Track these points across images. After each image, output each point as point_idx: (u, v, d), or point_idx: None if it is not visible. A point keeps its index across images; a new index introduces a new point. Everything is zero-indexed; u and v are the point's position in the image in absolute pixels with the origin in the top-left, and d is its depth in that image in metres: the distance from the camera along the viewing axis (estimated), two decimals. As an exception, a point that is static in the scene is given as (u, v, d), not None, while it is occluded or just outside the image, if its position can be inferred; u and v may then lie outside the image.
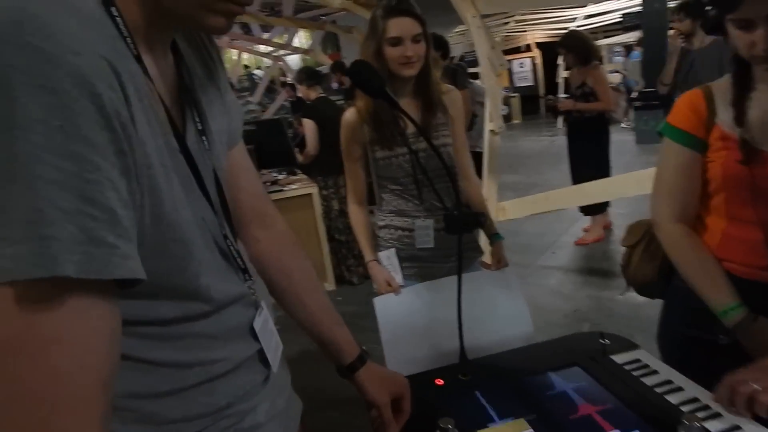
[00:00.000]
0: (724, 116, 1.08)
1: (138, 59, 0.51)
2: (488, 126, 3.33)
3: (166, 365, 0.58)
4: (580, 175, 3.70)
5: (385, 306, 1.49)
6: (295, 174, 3.96)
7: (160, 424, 0.59)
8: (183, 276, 0.57)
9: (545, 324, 2.90)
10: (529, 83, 14.02)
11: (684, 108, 1.13)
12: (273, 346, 0.72)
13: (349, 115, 1.59)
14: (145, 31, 0.53)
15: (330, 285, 3.67)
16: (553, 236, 4.32)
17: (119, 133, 0.44)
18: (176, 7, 0.52)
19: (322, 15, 7.41)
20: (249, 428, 0.66)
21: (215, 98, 0.69)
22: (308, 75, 3.80)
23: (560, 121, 5.20)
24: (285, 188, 3.58)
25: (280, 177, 3.87)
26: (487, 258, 1.71)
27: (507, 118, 13.16)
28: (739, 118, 1.05)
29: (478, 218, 1.58)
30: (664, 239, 1.16)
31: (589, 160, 3.73)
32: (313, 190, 3.56)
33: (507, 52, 14.48)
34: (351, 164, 1.65)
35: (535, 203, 3.23)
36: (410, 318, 1.48)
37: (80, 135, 0.40)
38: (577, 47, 3.63)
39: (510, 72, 14.68)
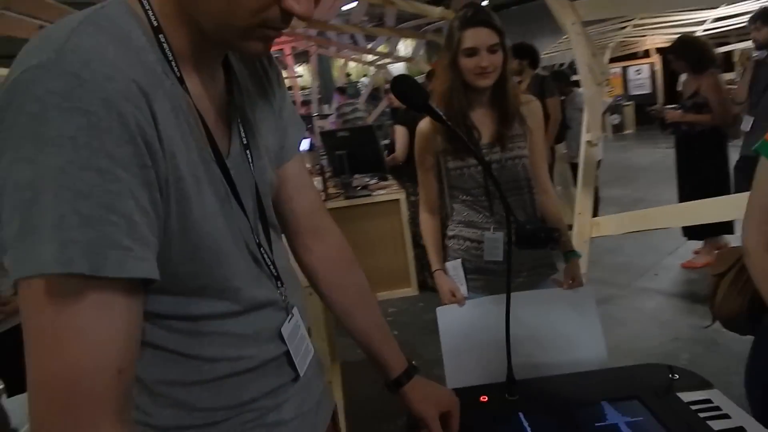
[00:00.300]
0: None
1: (180, 80, 0.57)
2: (585, 137, 3.16)
3: (195, 358, 0.63)
4: (687, 195, 3.37)
5: (447, 317, 1.49)
6: (386, 179, 4.05)
7: (190, 410, 0.64)
8: (211, 278, 0.62)
9: (637, 351, 2.69)
10: (646, 91, 13.05)
11: None
12: (302, 351, 0.75)
13: (424, 124, 1.61)
14: (192, 54, 0.59)
15: (413, 290, 3.69)
16: (657, 257, 3.98)
17: (142, 149, 0.50)
18: (219, 35, 0.57)
19: (425, 24, 7.49)
20: (272, 423, 0.70)
21: (268, 116, 0.74)
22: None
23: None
24: (374, 193, 3.67)
25: (371, 182, 3.98)
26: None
27: (619, 128, 12.39)
28: None
29: (551, 234, 1.52)
30: (754, 269, 1.04)
31: (698, 178, 3.39)
32: (401, 195, 3.61)
33: (623, 58, 13.63)
34: (424, 173, 1.66)
35: (633, 220, 3.00)
36: (472, 330, 1.46)
37: (105, 150, 0.47)
38: (689, 53, 3.31)
39: (625, 79, 13.82)
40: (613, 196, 6.30)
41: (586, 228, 3.18)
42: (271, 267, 0.71)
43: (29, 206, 0.45)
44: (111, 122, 0.47)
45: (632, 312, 3.14)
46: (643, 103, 12.54)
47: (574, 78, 4.03)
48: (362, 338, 0.89)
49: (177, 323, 0.61)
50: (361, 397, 2.36)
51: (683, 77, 3.86)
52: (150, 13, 0.55)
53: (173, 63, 0.56)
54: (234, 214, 0.64)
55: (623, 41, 12.60)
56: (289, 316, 0.73)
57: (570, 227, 3.87)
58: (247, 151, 0.68)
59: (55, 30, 0.49)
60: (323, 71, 15.14)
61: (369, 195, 3.66)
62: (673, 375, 1.02)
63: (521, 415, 0.97)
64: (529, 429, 0.93)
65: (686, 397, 0.96)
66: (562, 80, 4.62)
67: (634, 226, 2.98)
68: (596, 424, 0.92)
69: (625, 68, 13.76)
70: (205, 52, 0.61)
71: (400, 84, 0.93)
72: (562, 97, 4.30)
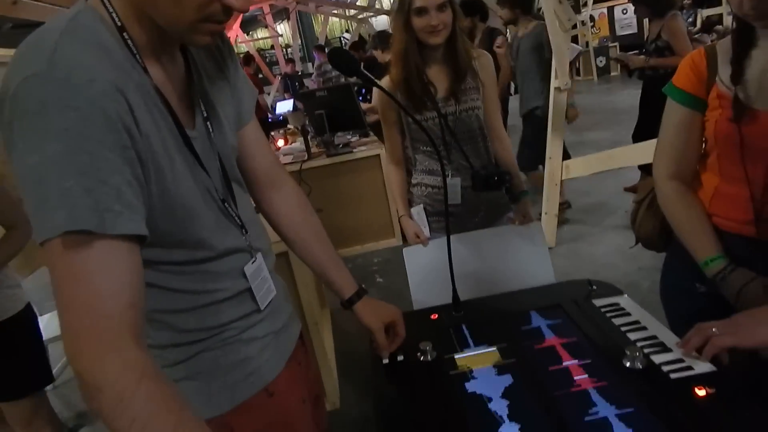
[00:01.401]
0: (724, 75, 1.09)
1: (145, 70, 0.71)
2: (553, 83, 3.28)
3: (181, 291, 0.81)
4: (643, 135, 3.49)
5: (413, 255, 1.67)
6: (367, 136, 4.17)
7: (180, 331, 0.82)
8: (187, 231, 0.78)
9: (606, 279, 2.91)
10: (633, 31, 12.94)
11: (686, 68, 1.16)
12: (264, 288, 0.92)
13: (384, 82, 1.74)
14: (152, 47, 0.73)
15: (397, 241, 3.89)
16: (628, 197, 4.18)
17: (123, 134, 0.64)
18: (171, 30, 0.70)
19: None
20: (247, 339, 0.89)
21: (224, 88, 0.88)
22: (381, 39, 3.94)
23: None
24: (355, 150, 3.81)
25: (352, 140, 4.10)
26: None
27: (604, 70, 12.36)
28: (735, 76, 1.06)
29: (503, 176, 1.69)
30: (660, 195, 1.21)
31: (656, 120, 3.51)
32: (381, 151, 3.75)
33: (608, -3, 13.47)
34: (388, 128, 1.80)
35: (600, 161, 3.17)
36: (434, 266, 1.64)
37: (94, 138, 0.61)
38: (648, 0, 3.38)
39: (612, 20, 13.67)
40: (594, 139, 6.42)
41: (556, 171, 3.35)
42: (236, 218, 0.87)
43: (40, 184, 0.60)
44: (96, 116, 0.62)
45: (601, 247, 3.36)
46: (630, 44, 12.49)
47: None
48: (320, 269, 1.07)
49: (166, 267, 0.78)
50: (349, 338, 2.59)
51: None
52: (114, 15, 0.69)
53: (137, 57, 0.70)
54: (201, 177, 0.79)
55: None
56: (252, 259, 0.90)
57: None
58: (208, 123, 0.82)
59: (41, 41, 0.63)
60: (304, 28, 14.87)
61: (350, 152, 3.79)
62: (591, 287, 1.21)
63: (464, 326, 1.16)
64: (469, 336, 1.12)
65: (599, 302, 1.16)
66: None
67: (600, 167, 3.16)
68: (522, 328, 1.11)
69: (611, 8, 13.60)
70: (164, 44, 0.75)
71: (335, 57, 1.08)
72: None
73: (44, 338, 2.73)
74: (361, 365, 2.52)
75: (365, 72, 1.07)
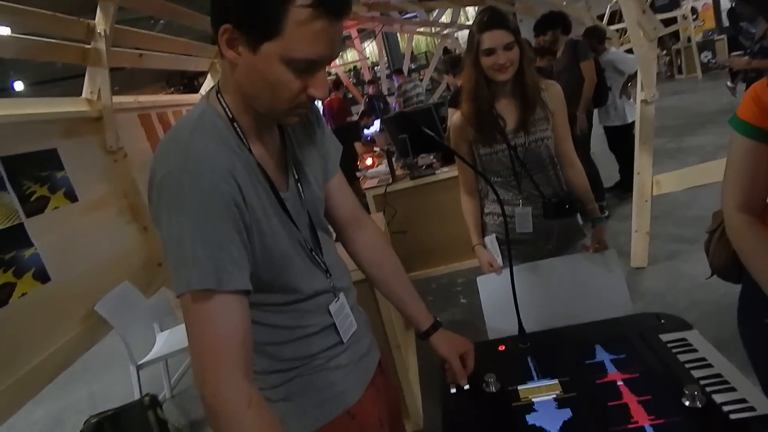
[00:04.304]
0: None
1: (249, 150, 0.90)
2: (639, 95, 3.18)
3: (280, 327, 0.98)
4: None
5: (487, 284, 1.74)
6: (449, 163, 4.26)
7: (279, 360, 1.00)
8: (283, 278, 0.95)
9: (702, 303, 2.76)
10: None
11: (749, 100, 1.15)
12: (347, 323, 1.07)
13: (456, 118, 1.84)
14: (255, 129, 0.93)
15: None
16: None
17: (234, 210, 0.83)
18: (269, 115, 0.90)
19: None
20: (333, 367, 1.04)
21: (312, 150, 1.06)
22: (451, 64, 4.02)
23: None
24: (437, 171, 3.92)
25: (435, 161, 4.21)
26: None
27: (709, 67, 11.42)
28: None
29: (575, 204, 1.72)
30: (728, 228, 1.20)
31: None
32: (463, 171, 3.81)
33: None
34: (460, 160, 1.90)
35: (694, 175, 3.01)
36: (508, 295, 1.69)
37: (215, 214, 0.80)
38: (751, -4, 3.17)
39: (717, 9, 12.61)
40: (696, 144, 5.98)
41: (646, 187, 3.23)
42: (322, 264, 1.03)
43: (179, 250, 0.79)
44: (216, 197, 0.81)
45: (699, 265, 3.15)
46: (738, 35, 11.45)
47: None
48: (398, 303, 1.20)
49: (268, 307, 0.96)
50: (434, 361, 2.67)
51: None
52: (227, 110, 0.89)
53: (244, 140, 0.90)
54: (293, 231, 0.96)
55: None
56: (336, 298, 1.05)
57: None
58: (299, 184, 1.00)
59: (179, 138, 0.84)
60: (390, 46, 15.27)
61: (433, 173, 3.90)
62: (660, 320, 1.22)
63: (529, 358, 1.22)
64: (533, 368, 1.18)
65: (666, 337, 1.17)
66: (594, 37, 4.52)
67: (694, 181, 3.00)
68: (585, 362, 1.16)
69: (719, -5, 12.56)
70: (264, 125, 0.94)
71: (411, 128, 1.20)
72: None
73: (164, 353, 3.11)
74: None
75: (427, 132, 1.18)
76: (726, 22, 12.23)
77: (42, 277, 2.59)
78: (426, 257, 4.00)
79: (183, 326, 2.22)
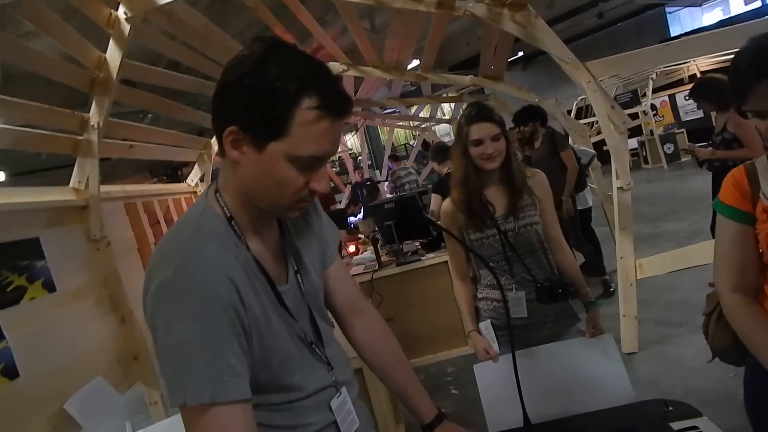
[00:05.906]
0: (766, 190, 1.14)
1: (247, 248, 0.89)
2: (615, 183, 3.32)
3: (280, 427, 0.93)
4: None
5: (484, 372, 1.69)
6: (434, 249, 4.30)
7: None
8: (282, 379, 0.92)
9: (697, 390, 2.71)
10: (699, 115, 12.76)
11: (729, 185, 1.21)
12: (349, 420, 1.02)
13: (446, 204, 1.89)
14: (253, 225, 0.93)
15: (470, 348, 3.79)
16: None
17: (233, 316, 0.81)
18: (271, 210, 0.91)
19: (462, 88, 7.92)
20: None
21: (311, 239, 1.06)
22: (438, 152, 4.19)
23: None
24: (423, 258, 3.93)
25: (419, 248, 4.24)
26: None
27: (673, 157, 12.09)
28: None
29: (568, 288, 1.73)
30: (725, 309, 1.21)
31: None
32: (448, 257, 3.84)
33: (669, 86, 13.53)
34: (451, 245, 1.92)
35: (674, 260, 3.08)
36: (506, 383, 1.65)
37: (212, 322, 0.79)
38: (709, 94, 3.43)
39: (674, 107, 13.62)
40: (670, 230, 6.18)
41: (630, 271, 3.28)
42: (323, 356, 0.99)
43: (175, 360, 0.77)
44: (213, 303, 0.79)
45: (689, 350, 3.14)
46: (697, 128, 12.27)
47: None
48: (400, 392, 1.16)
49: (266, 407, 0.91)
50: None
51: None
52: (225, 209, 0.90)
53: (242, 238, 0.89)
54: (292, 325, 0.94)
55: (665, 70, 12.56)
56: (338, 393, 1.01)
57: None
58: (298, 276, 0.99)
59: (177, 242, 0.84)
60: (371, 138, 15.91)
61: (419, 260, 3.91)
62: (668, 407, 1.19)
63: (536, 451, 1.17)
64: (541, 462, 1.13)
65: (677, 425, 1.13)
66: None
67: (675, 266, 3.06)
68: (597, 454, 1.11)
69: (672, 96, 13.61)
70: (263, 220, 0.95)
71: (399, 214, 1.23)
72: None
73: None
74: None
75: (430, 218, 1.20)
76: (684, 117, 13.22)
77: (10, 373, 2.43)
78: (414, 345, 3.90)
79: (157, 426, 2.08)
